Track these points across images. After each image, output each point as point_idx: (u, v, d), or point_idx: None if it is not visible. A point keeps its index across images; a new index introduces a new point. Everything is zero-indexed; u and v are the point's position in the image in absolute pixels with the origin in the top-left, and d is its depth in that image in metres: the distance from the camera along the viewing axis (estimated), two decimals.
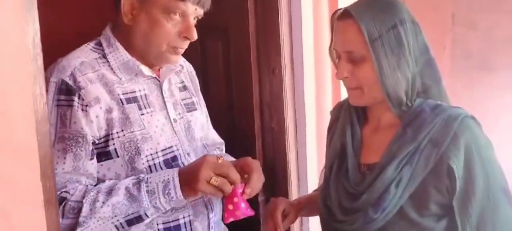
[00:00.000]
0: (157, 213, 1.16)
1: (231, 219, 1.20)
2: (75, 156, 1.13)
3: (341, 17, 1.14)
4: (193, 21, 1.23)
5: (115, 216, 1.12)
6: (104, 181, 1.18)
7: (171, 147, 1.25)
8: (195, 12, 1.22)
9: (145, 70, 1.26)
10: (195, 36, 1.23)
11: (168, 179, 1.14)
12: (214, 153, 1.49)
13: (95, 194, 1.13)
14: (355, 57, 1.11)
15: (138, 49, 1.23)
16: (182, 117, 1.33)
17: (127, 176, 1.18)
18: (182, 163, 1.26)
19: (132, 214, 1.13)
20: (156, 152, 1.22)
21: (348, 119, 1.24)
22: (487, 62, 4.53)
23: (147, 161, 1.20)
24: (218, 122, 1.96)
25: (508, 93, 4.47)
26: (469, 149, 1.06)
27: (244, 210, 1.19)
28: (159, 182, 1.14)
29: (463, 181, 1.06)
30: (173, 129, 1.28)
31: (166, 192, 1.13)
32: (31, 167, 0.67)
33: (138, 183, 1.14)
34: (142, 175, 1.17)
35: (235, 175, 1.15)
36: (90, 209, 1.11)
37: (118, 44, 1.24)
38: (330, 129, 1.35)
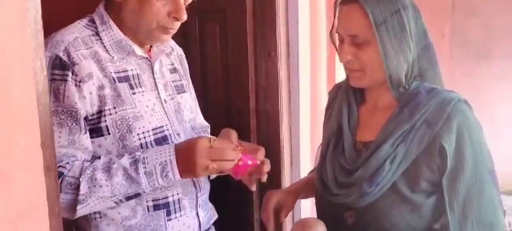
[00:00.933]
0: (154, 190, 1.20)
1: (239, 176, 1.23)
2: (70, 130, 1.15)
3: (345, 1, 1.17)
4: (183, 2, 1.24)
5: (115, 195, 1.15)
6: (96, 157, 1.20)
7: (162, 126, 1.28)
8: None
9: (138, 50, 1.27)
10: (184, 17, 1.24)
11: (165, 161, 1.15)
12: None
13: (91, 171, 1.14)
14: (359, 41, 1.14)
15: (129, 27, 1.25)
16: (172, 98, 1.35)
17: (118, 153, 1.20)
18: (172, 142, 1.28)
19: (130, 193, 1.16)
20: (147, 131, 1.24)
21: (345, 99, 1.29)
22: (485, 51, 4.56)
23: (139, 139, 1.22)
24: (214, 102, 2.01)
25: (505, 82, 4.51)
26: (460, 131, 1.11)
27: (251, 165, 1.21)
28: (157, 164, 1.15)
29: (454, 160, 1.11)
30: (164, 109, 1.30)
31: (164, 174, 1.15)
32: (32, 134, 0.72)
33: (135, 163, 1.15)
34: (137, 154, 1.17)
35: (231, 155, 1.15)
36: (88, 188, 1.13)
37: (111, 22, 1.25)
38: (328, 109, 1.39)
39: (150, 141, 1.24)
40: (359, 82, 1.22)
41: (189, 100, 1.44)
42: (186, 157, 1.15)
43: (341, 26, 1.18)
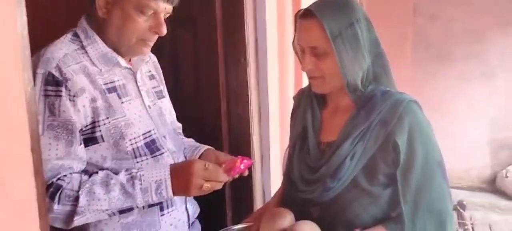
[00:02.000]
0: (146, 204, 1.28)
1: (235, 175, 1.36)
2: (67, 142, 1.21)
3: (304, 16, 1.26)
4: (163, 18, 1.31)
5: (111, 209, 1.22)
6: (90, 164, 1.27)
7: (150, 131, 1.35)
8: (165, 9, 1.29)
9: (121, 61, 1.32)
10: (164, 31, 1.30)
11: (160, 179, 1.24)
12: (183, 138, 1.61)
13: (90, 185, 1.21)
14: (318, 52, 1.26)
15: (111, 41, 1.30)
16: (155, 104, 1.42)
17: (112, 158, 1.28)
18: (161, 145, 1.37)
19: (125, 206, 1.24)
20: (138, 136, 1.31)
21: (308, 104, 1.40)
22: (446, 53, 4.76)
23: (131, 144, 1.29)
24: (187, 107, 2.08)
25: (465, 84, 4.73)
26: (412, 128, 1.24)
27: (244, 169, 1.36)
28: (152, 182, 1.24)
29: (406, 154, 1.23)
30: (149, 115, 1.37)
31: (159, 191, 1.24)
32: (23, 141, 0.78)
33: (131, 180, 1.24)
34: (134, 171, 1.26)
35: (223, 178, 1.28)
36: (87, 200, 1.20)
37: (95, 36, 1.29)
38: (293, 114, 1.50)
39: (141, 145, 1.32)
40: (320, 89, 1.33)
41: (168, 104, 1.52)
42: (181, 177, 1.25)
43: (302, 38, 1.29)
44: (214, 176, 1.26)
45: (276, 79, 2.18)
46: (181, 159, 1.45)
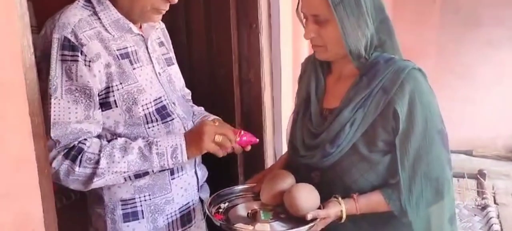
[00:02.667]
0: (161, 169, 1.34)
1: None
2: (86, 106, 1.24)
3: None
4: None
5: (128, 171, 1.28)
6: (104, 128, 1.31)
7: (160, 97, 1.38)
8: None
9: (134, 28, 1.33)
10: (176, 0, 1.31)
11: (176, 144, 1.32)
12: (192, 106, 1.64)
13: (110, 149, 1.27)
14: (320, 20, 1.25)
15: (123, 7, 1.30)
16: (164, 70, 1.44)
17: (125, 123, 1.32)
18: (171, 111, 1.40)
19: (142, 170, 1.30)
20: (150, 102, 1.35)
21: (313, 71, 1.41)
22: (474, 18, 4.61)
23: (143, 110, 1.33)
24: (199, 73, 2.12)
25: (493, 49, 4.58)
26: (412, 96, 1.23)
27: (248, 140, 1.44)
28: (168, 146, 1.32)
29: (405, 122, 1.23)
30: (159, 81, 1.39)
31: (174, 155, 1.32)
32: (20, 104, 0.83)
33: (149, 145, 1.30)
34: (150, 139, 1.32)
35: (231, 134, 1.37)
36: (107, 163, 1.25)
37: (108, 2, 1.30)
38: (300, 79, 1.51)
39: (152, 111, 1.35)
40: (323, 56, 1.34)
41: (177, 71, 1.54)
42: (193, 138, 1.34)
43: (304, 6, 1.29)
44: (223, 130, 1.35)
45: (290, 45, 2.17)
46: (189, 125, 1.48)
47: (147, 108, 1.34)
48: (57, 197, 2.09)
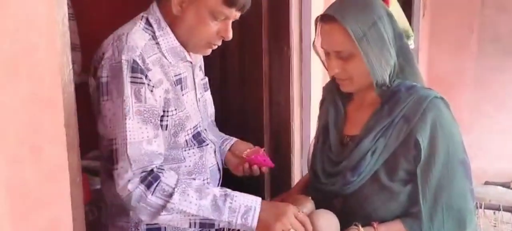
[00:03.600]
0: (226, 226, 1.30)
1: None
2: (154, 126, 1.25)
3: (325, 20, 1.26)
4: (231, 24, 1.34)
5: (197, 215, 1.24)
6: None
7: (197, 124, 1.40)
8: (235, 16, 1.32)
9: (187, 55, 1.36)
10: (230, 37, 1.34)
11: (251, 206, 1.27)
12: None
13: (186, 186, 1.25)
14: (344, 55, 1.26)
15: (180, 37, 1.33)
16: (202, 95, 1.47)
17: (168, 146, 1.33)
18: (205, 137, 1.43)
19: (209, 220, 1.26)
20: (190, 128, 1.37)
21: (331, 100, 1.42)
22: None
23: (185, 136, 1.35)
24: (231, 94, 2.16)
25: None
26: (434, 125, 1.23)
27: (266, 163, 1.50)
28: (242, 204, 1.26)
29: (427, 152, 1.23)
30: (198, 108, 1.42)
31: (245, 216, 1.25)
32: (57, 117, 0.89)
33: (225, 196, 1.27)
34: (228, 190, 1.29)
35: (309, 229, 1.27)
36: (179, 200, 1.22)
37: (168, 29, 1.31)
38: (321, 105, 1.53)
39: (190, 138, 1.38)
40: (349, 89, 1.34)
41: (210, 97, 1.56)
42: (271, 211, 1.27)
43: (325, 43, 1.29)
44: (300, 228, 1.26)
45: (320, 68, 2.18)
46: (218, 149, 1.52)
47: (187, 134, 1.37)
48: (89, 209, 2.19)
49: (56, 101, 0.89)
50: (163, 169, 1.27)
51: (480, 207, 3.56)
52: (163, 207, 1.22)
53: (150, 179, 1.23)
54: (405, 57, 1.30)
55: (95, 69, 1.28)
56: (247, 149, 1.55)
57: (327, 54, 1.31)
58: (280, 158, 2.09)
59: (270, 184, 2.17)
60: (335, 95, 1.41)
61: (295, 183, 2.14)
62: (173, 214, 1.23)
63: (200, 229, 1.36)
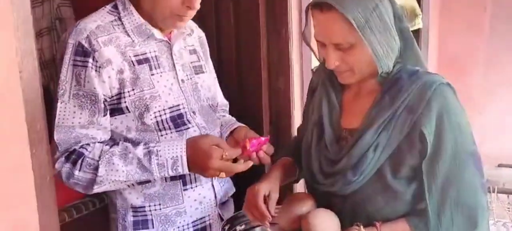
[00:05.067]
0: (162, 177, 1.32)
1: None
2: (90, 112, 1.25)
3: (320, 8, 1.12)
4: None
5: (128, 180, 1.27)
6: (115, 133, 1.32)
7: (178, 105, 1.36)
8: None
9: (157, 33, 1.34)
10: (197, 5, 1.28)
11: (176, 156, 1.27)
12: (220, 115, 1.59)
13: (109, 156, 1.26)
14: (343, 46, 1.13)
15: (146, 13, 1.31)
16: (190, 78, 1.42)
17: (136, 129, 1.32)
18: (188, 120, 1.38)
19: (142, 179, 1.29)
20: (164, 109, 1.33)
21: (324, 91, 1.29)
22: None
23: (155, 117, 1.31)
24: (227, 78, 2.07)
25: None
26: (440, 115, 1.11)
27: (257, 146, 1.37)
28: (169, 158, 1.27)
29: (433, 145, 1.12)
30: (181, 89, 1.38)
31: (174, 167, 1.28)
32: (15, 111, 0.81)
33: (148, 154, 1.27)
34: (151, 145, 1.29)
35: (239, 169, 1.30)
36: (106, 170, 1.25)
37: (132, 8, 1.32)
38: (311, 94, 1.38)
39: (166, 118, 1.33)
40: (349, 80, 1.21)
41: (207, 80, 1.50)
42: (198, 158, 1.27)
43: (321, 34, 1.15)
44: (229, 169, 1.29)
45: None
46: (212, 134, 1.44)
47: (160, 115, 1.32)
48: (89, 201, 2.15)
49: (13, 94, 0.81)
50: (88, 145, 1.27)
51: (493, 191, 3.46)
52: (93, 180, 1.26)
53: (74, 157, 1.26)
54: (405, 40, 1.19)
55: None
56: (246, 136, 1.45)
57: (323, 45, 1.17)
58: (280, 144, 1.99)
59: None
60: (328, 86, 1.28)
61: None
62: (106, 184, 1.27)
63: (196, 221, 1.41)
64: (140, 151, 1.28)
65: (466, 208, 1.15)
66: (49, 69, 2.86)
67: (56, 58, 2.87)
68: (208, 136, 1.34)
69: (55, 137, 1.24)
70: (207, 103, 1.47)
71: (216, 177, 1.36)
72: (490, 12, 4.44)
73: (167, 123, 1.33)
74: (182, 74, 1.39)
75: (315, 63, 2.08)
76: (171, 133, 1.34)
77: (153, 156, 1.27)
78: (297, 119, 2.03)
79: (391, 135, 1.14)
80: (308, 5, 1.18)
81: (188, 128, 1.37)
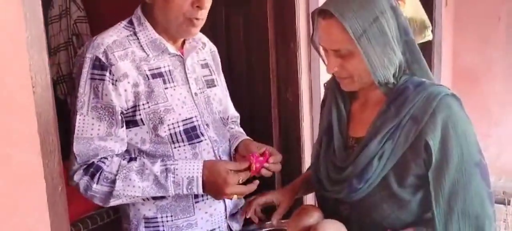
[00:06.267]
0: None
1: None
2: (109, 124, 1.28)
3: (323, 16, 1.15)
4: None
5: (143, 196, 1.30)
6: (130, 144, 1.35)
7: (191, 118, 1.38)
8: None
9: (171, 48, 1.36)
10: (206, 4, 1.30)
11: (192, 176, 1.30)
12: (229, 128, 1.61)
13: (127, 171, 1.29)
14: (343, 53, 1.16)
15: (160, 25, 1.33)
16: (203, 92, 1.44)
17: (151, 141, 1.34)
18: (201, 133, 1.40)
19: (157, 195, 1.31)
20: (177, 122, 1.36)
21: (333, 99, 1.32)
22: None
23: (169, 129, 1.34)
24: (238, 91, 2.11)
25: None
26: (445, 126, 1.12)
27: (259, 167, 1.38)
28: (185, 177, 1.30)
29: (439, 155, 1.13)
30: (194, 102, 1.40)
31: (189, 187, 1.31)
32: (28, 122, 0.86)
33: (165, 172, 1.30)
34: (169, 163, 1.32)
35: (251, 191, 1.34)
36: (123, 185, 1.28)
37: (147, 23, 1.35)
38: (323, 105, 1.43)
39: (179, 131, 1.36)
40: (350, 87, 1.24)
41: (219, 94, 1.52)
42: (214, 182, 1.31)
43: (323, 40, 1.19)
44: (244, 191, 1.33)
45: None
46: (222, 148, 1.47)
47: (173, 127, 1.35)
48: (104, 212, 2.20)
49: (26, 107, 0.85)
50: (106, 159, 1.30)
51: (509, 204, 3.41)
52: (110, 193, 1.29)
53: (92, 170, 1.29)
54: (411, 53, 1.20)
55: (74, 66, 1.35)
56: (249, 149, 1.47)
57: (325, 50, 1.21)
58: (290, 156, 2.03)
59: (281, 182, 2.12)
60: (337, 94, 1.31)
61: None
62: (122, 198, 1.30)
63: None
64: (157, 167, 1.31)
65: (474, 219, 1.15)
66: (66, 83, 2.95)
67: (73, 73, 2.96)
68: (227, 162, 1.38)
69: (74, 149, 1.26)
70: (219, 116, 1.50)
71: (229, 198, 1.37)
72: (505, 23, 4.40)
73: (181, 135, 1.36)
74: (195, 87, 1.42)
75: (323, 75, 2.11)
76: (185, 145, 1.37)
77: (170, 173, 1.30)
78: (305, 129, 2.06)
79: (396, 144, 1.16)
80: (313, 11, 1.22)
81: (201, 140, 1.40)
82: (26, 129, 0.86)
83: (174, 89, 1.36)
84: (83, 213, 2.22)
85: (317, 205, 1.41)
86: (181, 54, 1.40)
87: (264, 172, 1.39)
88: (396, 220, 1.20)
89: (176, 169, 1.31)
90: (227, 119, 1.59)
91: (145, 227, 1.39)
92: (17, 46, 0.84)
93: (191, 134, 1.38)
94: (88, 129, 1.27)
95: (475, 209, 1.15)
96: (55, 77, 2.91)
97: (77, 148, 1.26)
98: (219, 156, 1.45)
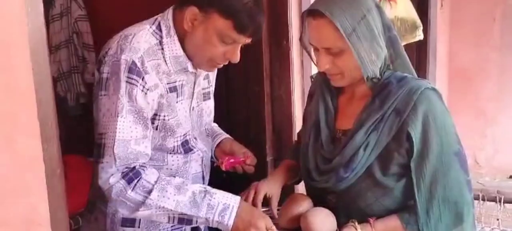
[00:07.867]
0: (203, 223, 1.33)
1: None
2: (143, 127, 1.29)
3: (313, 16, 1.22)
4: (239, 48, 1.34)
5: (175, 210, 1.27)
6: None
7: (187, 132, 1.43)
8: (244, 42, 1.32)
9: (190, 67, 1.37)
10: (237, 60, 1.34)
11: (228, 204, 1.29)
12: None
13: (165, 184, 1.28)
14: (333, 51, 1.23)
15: (186, 50, 1.34)
16: (198, 105, 1.48)
17: (154, 148, 1.36)
18: (192, 146, 1.45)
19: (187, 215, 1.29)
20: (180, 135, 1.40)
21: (320, 94, 1.39)
22: None
23: (176, 141, 1.39)
24: (232, 90, 2.18)
25: None
26: (426, 117, 1.20)
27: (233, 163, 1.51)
28: (221, 202, 1.29)
29: (420, 145, 1.20)
30: (190, 116, 1.44)
31: (222, 214, 1.29)
32: (30, 109, 0.92)
33: (204, 192, 1.30)
34: (208, 188, 1.33)
35: None
36: (158, 196, 1.26)
37: (175, 37, 1.32)
38: (310, 98, 1.49)
39: (179, 144, 1.42)
40: (340, 83, 1.31)
41: (211, 106, 1.56)
42: (245, 219, 1.30)
43: (313, 39, 1.26)
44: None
45: None
46: (206, 157, 1.53)
47: (177, 140, 1.40)
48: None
49: (29, 95, 0.92)
50: (146, 167, 1.31)
51: (500, 201, 3.46)
52: (142, 203, 1.27)
53: (131, 175, 1.27)
54: (394, 48, 1.28)
55: (99, 63, 1.32)
56: (231, 148, 1.56)
57: (316, 49, 1.28)
58: (283, 152, 2.09)
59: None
60: (324, 89, 1.38)
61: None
62: (152, 209, 1.27)
63: (175, 226, 1.42)
64: (197, 187, 1.32)
65: (453, 205, 1.22)
66: (66, 80, 3.01)
67: (73, 70, 3.02)
68: (265, 216, 1.35)
69: (115, 151, 1.25)
70: (205, 128, 1.54)
71: None
72: (500, 24, 4.45)
73: (179, 148, 1.41)
74: (195, 102, 1.44)
75: (314, 71, 2.17)
76: (179, 155, 1.42)
77: (208, 195, 1.30)
78: (298, 126, 2.11)
79: (380, 135, 1.23)
80: (304, 12, 1.29)
81: (194, 152, 1.46)
82: (28, 115, 0.92)
83: (181, 104, 1.40)
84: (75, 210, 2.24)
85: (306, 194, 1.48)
86: (195, 71, 1.41)
87: (239, 169, 1.50)
88: (380, 207, 1.27)
89: (215, 193, 1.31)
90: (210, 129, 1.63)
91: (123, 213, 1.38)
92: (19, 35, 0.90)
93: (186, 147, 1.44)
94: (128, 130, 1.26)
95: (454, 195, 1.23)
96: (55, 75, 2.97)
97: (118, 150, 1.25)
98: (204, 165, 1.52)
